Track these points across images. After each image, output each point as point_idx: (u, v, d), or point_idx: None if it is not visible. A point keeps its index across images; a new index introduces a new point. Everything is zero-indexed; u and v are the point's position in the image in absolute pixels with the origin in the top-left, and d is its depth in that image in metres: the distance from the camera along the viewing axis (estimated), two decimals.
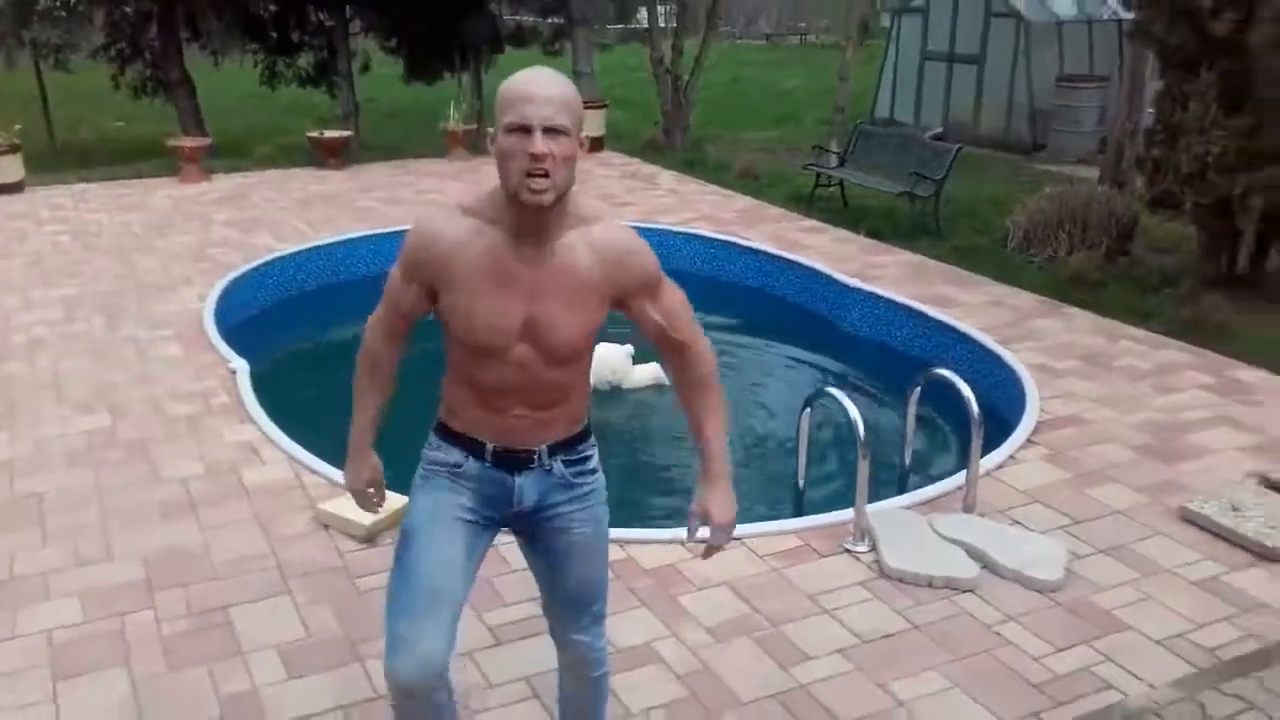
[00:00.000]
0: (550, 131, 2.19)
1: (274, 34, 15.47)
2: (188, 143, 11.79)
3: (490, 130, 2.28)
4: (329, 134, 12.35)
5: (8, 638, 3.76)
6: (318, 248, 8.91)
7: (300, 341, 7.69)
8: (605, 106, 13.80)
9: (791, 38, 37.10)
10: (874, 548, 4.37)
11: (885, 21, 24.29)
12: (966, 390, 4.69)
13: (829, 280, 8.16)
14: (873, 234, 9.51)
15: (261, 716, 3.37)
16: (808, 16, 37.28)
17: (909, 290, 7.83)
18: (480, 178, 11.74)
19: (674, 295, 2.51)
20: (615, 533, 4.51)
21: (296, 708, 3.39)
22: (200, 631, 3.81)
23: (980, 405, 4.65)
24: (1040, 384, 6.12)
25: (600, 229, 2.37)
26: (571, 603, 2.72)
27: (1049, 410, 5.80)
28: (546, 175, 2.19)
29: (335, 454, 5.32)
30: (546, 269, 2.30)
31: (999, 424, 5.61)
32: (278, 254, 8.69)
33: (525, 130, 2.18)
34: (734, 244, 9.09)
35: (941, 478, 5.03)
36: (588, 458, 2.59)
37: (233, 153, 13.01)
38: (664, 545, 4.40)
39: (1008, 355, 6.56)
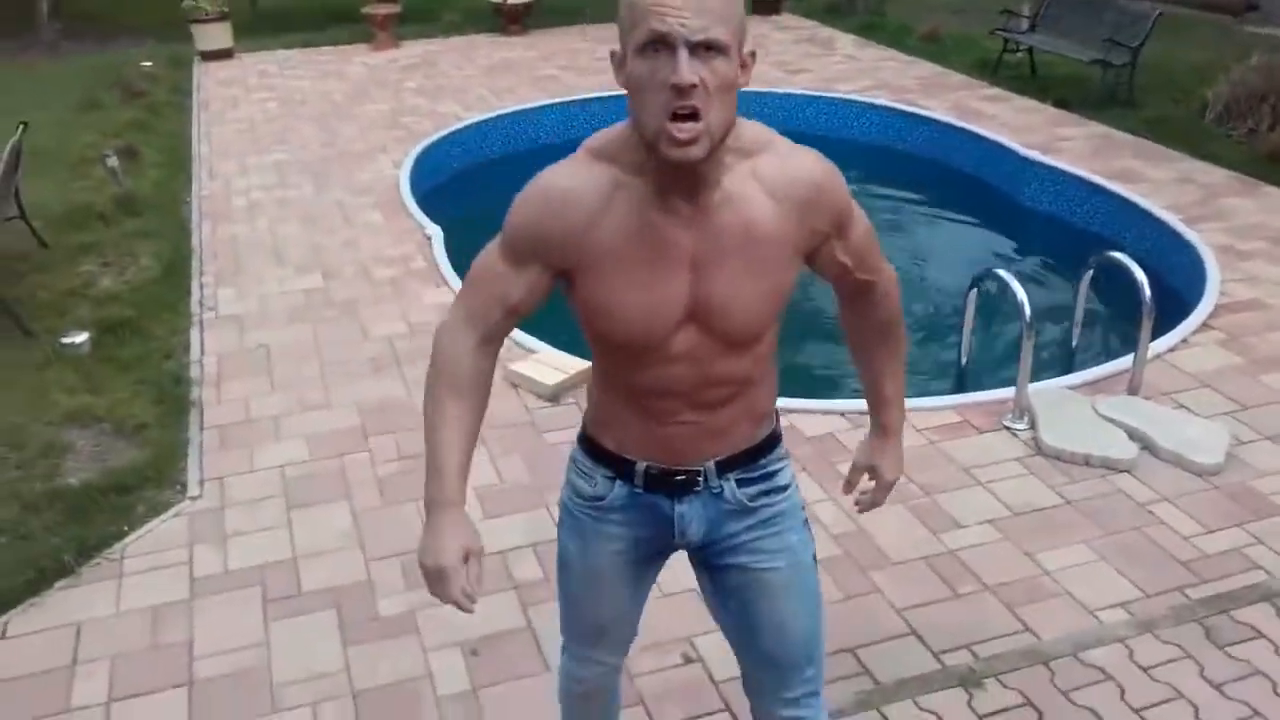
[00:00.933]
0: (699, 49, 1.55)
1: None
2: (379, 10, 12.21)
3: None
4: (511, 0, 12.57)
5: (248, 471, 4.36)
6: (501, 116, 9.25)
7: (485, 208, 8.09)
8: None
9: None
10: (1033, 426, 4.51)
11: None
12: (1139, 273, 4.68)
13: (1009, 153, 8.00)
14: (1060, 103, 9.18)
15: None
16: None
17: (1094, 165, 7.62)
18: None
19: (862, 226, 1.93)
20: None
21: (493, 543, 3.85)
22: (408, 473, 4.32)
23: (1158, 287, 4.64)
24: (1223, 266, 5.97)
25: (776, 161, 1.76)
26: (770, 665, 2.09)
27: (1229, 293, 5.69)
28: (696, 116, 1.56)
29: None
30: (713, 228, 1.71)
31: (1177, 306, 5.55)
32: (465, 123, 9.08)
33: (663, 47, 1.55)
34: (911, 114, 8.96)
35: (1110, 360, 5.06)
36: (774, 473, 2.01)
37: (421, 18, 13.40)
38: (824, 415, 4.65)
39: (1191, 235, 6.39)
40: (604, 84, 10.07)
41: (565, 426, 4.63)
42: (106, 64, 11.36)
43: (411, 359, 5.25)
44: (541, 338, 5.34)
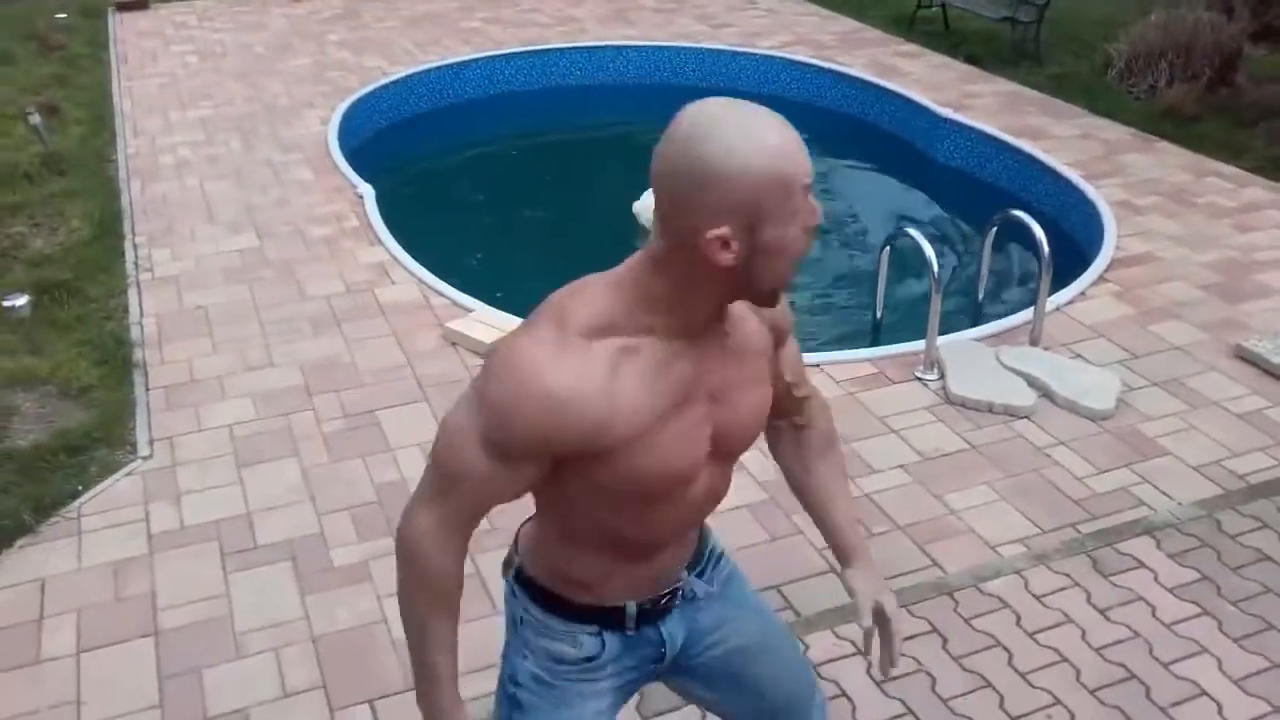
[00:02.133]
0: None
1: None
2: None
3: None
4: None
5: (196, 430, 4.50)
6: (426, 71, 9.29)
7: (415, 164, 8.21)
8: None
9: None
10: (942, 376, 4.84)
11: None
12: (1038, 230, 5.01)
13: (923, 110, 8.31)
14: (971, 59, 9.51)
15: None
16: None
17: (1001, 121, 7.97)
18: None
19: (793, 338, 1.90)
20: None
21: None
22: (354, 430, 4.50)
23: (1059, 242, 4.99)
24: (1120, 221, 6.36)
25: None
26: (786, 711, 2.07)
27: (1124, 248, 6.08)
28: None
29: (456, 277, 5.95)
30: (723, 354, 1.64)
31: (1076, 260, 5.93)
32: (390, 78, 9.10)
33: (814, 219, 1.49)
34: (831, 70, 9.22)
35: (1013, 313, 5.41)
36: (711, 546, 2.00)
37: None
38: None
39: (1090, 191, 6.77)
40: (528, 38, 10.14)
41: None
42: (18, 14, 11.06)
43: (351, 317, 5.39)
44: (477, 296, 5.53)
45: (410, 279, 5.80)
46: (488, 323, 5.23)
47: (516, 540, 1.90)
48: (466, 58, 9.56)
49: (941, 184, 7.72)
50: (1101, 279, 5.75)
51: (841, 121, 8.93)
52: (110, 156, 7.50)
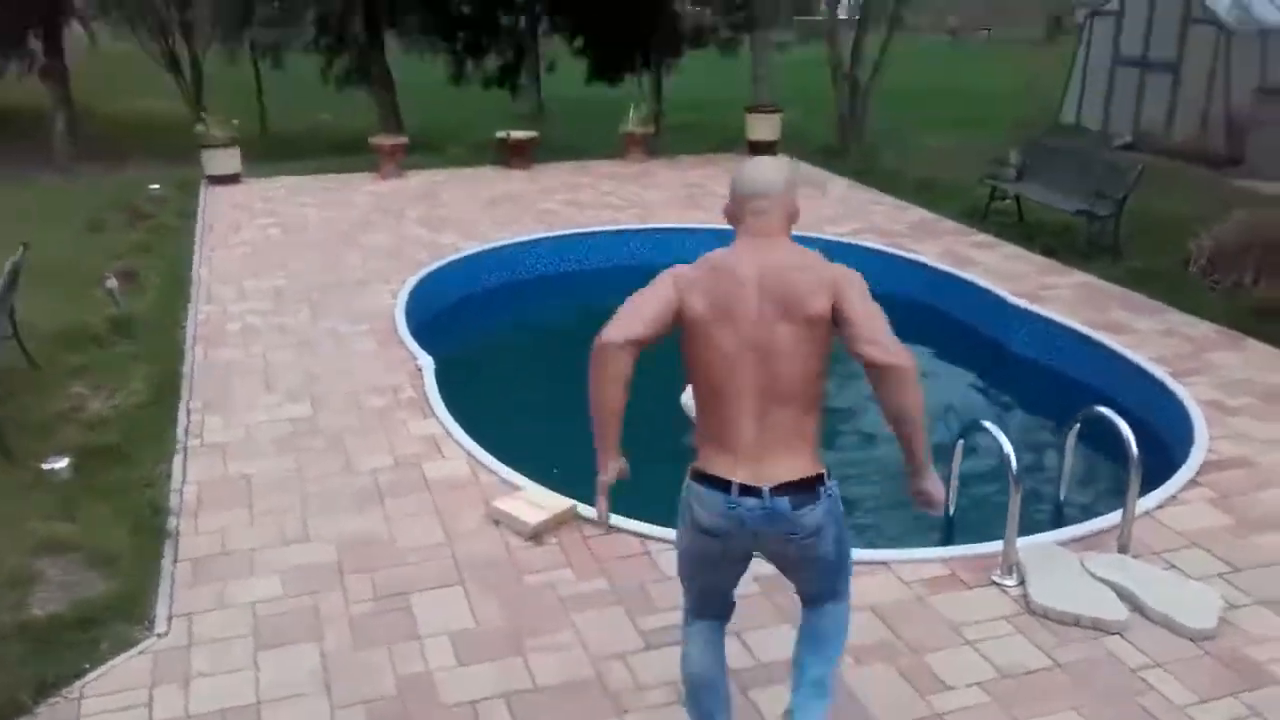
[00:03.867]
0: None
1: (465, 34, 16.31)
2: (386, 141, 12.55)
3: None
4: (516, 135, 12.91)
5: (218, 607, 4.27)
6: (500, 248, 9.41)
7: (480, 338, 8.19)
8: (779, 111, 13.91)
9: (980, 33, 36.09)
10: (1022, 582, 4.44)
11: (1079, 18, 23.47)
12: (1125, 429, 4.67)
13: (998, 300, 8.11)
14: (1048, 251, 9.35)
15: (433, 696, 3.74)
16: (997, 12, 36.16)
17: (1081, 315, 7.71)
18: (656, 181, 12.08)
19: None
20: None
21: (464, 693, 3.74)
22: (383, 614, 4.23)
23: (1145, 442, 4.63)
24: (1210, 422, 5.98)
25: None
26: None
27: (1217, 450, 5.68)
28: None
29: (508, 452, 5.76)
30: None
31: (1164, 462, 5.54)
32: (462, 254, 9.22)
33: None
34: (900, 257, 9.11)
35: (1098, 516, 5.02)
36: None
37: (426, 149, 13.75)
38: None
39: (1178, 389, 6.42)
40: (603, 219, 10.26)
41: (546, 568, 4.56)
42: (117, 187, 11.61)
43: (396, 492, 5.20)
44: (528, 475, 5.32)
45: (460, 454, 5.62)
46: (535, 502, 4.99)
47: None
48: (537, 235, 9.68)
49: (1018, 377, 7.42)
50: (1194, 483, 5.35)
51: (913, 310, 8.75)
52: (181, 323, 7.59)
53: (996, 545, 4.58)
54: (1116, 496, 5.11)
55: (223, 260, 9.06)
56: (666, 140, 14.36)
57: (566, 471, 5.87)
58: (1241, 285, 8.26)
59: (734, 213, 3.01)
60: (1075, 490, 5.38)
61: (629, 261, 9.73)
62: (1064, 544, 4.78)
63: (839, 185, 12.00)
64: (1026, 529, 4.66)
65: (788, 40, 17.88)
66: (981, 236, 9.90)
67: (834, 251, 9.40)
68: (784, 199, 2.97)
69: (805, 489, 2.85)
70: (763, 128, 13.69)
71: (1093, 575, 4.47)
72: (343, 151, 13.65)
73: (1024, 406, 6.90)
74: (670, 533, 4.89)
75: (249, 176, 12.17)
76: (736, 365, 2.85)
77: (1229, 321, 7.60)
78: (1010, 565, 4.50)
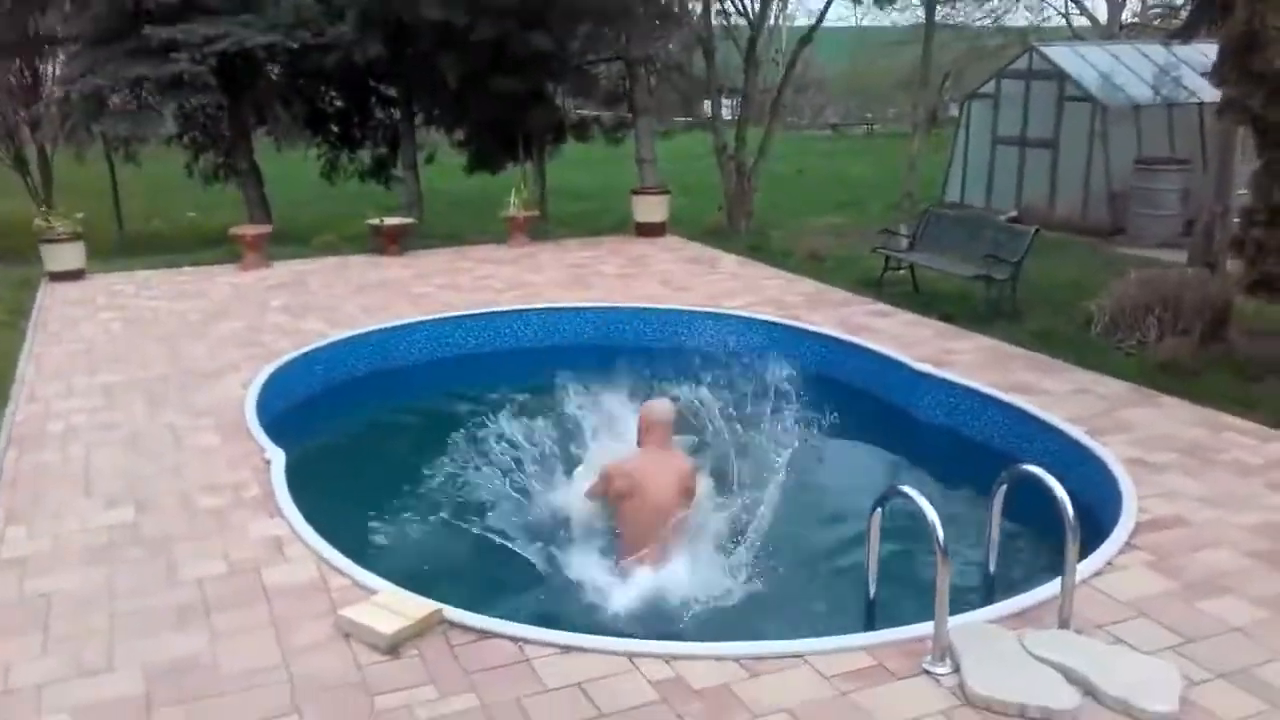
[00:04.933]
0: None
1: (337, 128, 15.72)
2: (249, 230, 11.77)
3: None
4: (389, 221, 12.28)
5: None
6: (369, 333, 8.69)
7: (343, 429, 7.40)
8: (666, 193, 13.58)
9: (858, 128, 37.00)
10: (957, 669, 3.85)
11: (953, 111, 24.03)
12: (1059, 489, 4.17)
13: (900, 366, 7.68)
14: (946, 318, 9.03)
15: None
16: (874, 108, 37.12)
17: (987, 377, 7.32)
18: (540, 263, 11.54)
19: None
20: (658, 646, 4.07)
21: None
22: None
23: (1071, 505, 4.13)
24: (1136, 480, 5.56)
25: None
26: None
27: (1148, 510, 5.24)
28: None
29: (365, 552, 5.00)
30: None
31: (1091, 525, 5.04)
32: (328, 340, 8.47)
33: None
34: (798, 328, 8.67)
35: (1031, 587, 4.48)
36: None
37: (297, 240, 13.01)
38: (717, 661, 3.92)
39: (1098, 448, 6.01)
40: (482, 302, 9.64)
41: (404, 686, 3.80)
42: None
43: (224, 605, 4.39)
44: (385, 576, 4.57)
45: (308, 556, 4.83)
46: (392, 608, 4.23)
47: None
48: (410, 320, 8.99)
49: (928, 445, 6.93)
50: (1130, 545, 4.88)
51: (813, 380, 8.27)
52: None
53: (925, 627, 4.00)
54: (1050, 565, 4.59)
55: (52, 358, 8.13)
56: (552, 227, 13.88)
57: (434, 569, 5.14)
58: (1145, 343, 8.01)
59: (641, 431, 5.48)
60: (1004, 560, 4.81)
61: (511, 344, 9.11)
62: (999, 621, 4.23)
63: (730, 262, 11.61)
64: (955, 607, 4.07)
65: (674, 128, 17.77)
66: (878, 305, 9.54)
67: (731, 325, 9.00)
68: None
69: None
70: (650, 210, 13.31)
71: (1035, 656, 3.91)
72: (208, 246, 12.80)
73: (937, 475, 6.39)
74: (552, 634, 4.20)
75: (97, 272, 11.22)
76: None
77: (1138, 379, 7.29)
78: (942, 650, 3.91)
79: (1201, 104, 14.90)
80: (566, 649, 4.07)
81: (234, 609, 4.37)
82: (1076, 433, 6.25)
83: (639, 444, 5.48)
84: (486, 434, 7.16)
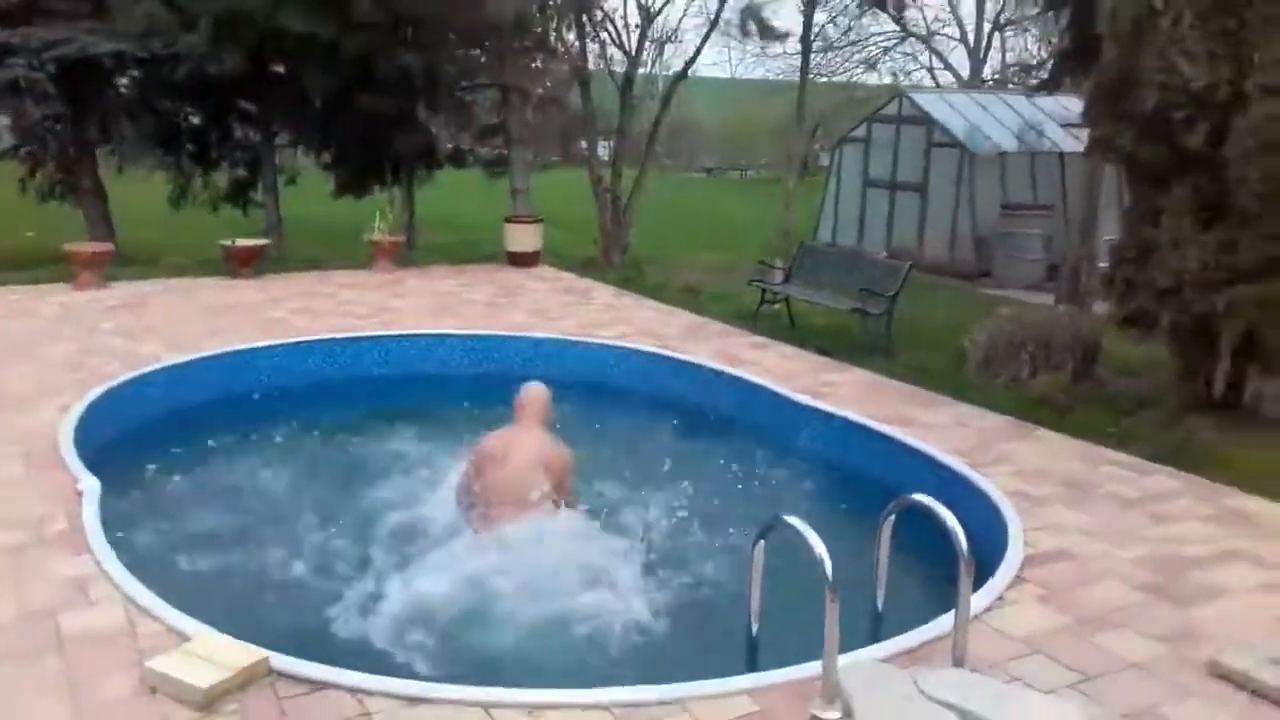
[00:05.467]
0: None
1: (193, 146, 14.68)
2: (86, 248, 10.90)
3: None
4: (242, 242, 11.53)
5: None
6: (211, 358, 8.00)
7: (178, 460, 6.66)
8: (540, 221, 13.20)
9: (732, 172, 37.45)
10: (849, 713, 3.50)
11: (824, 160, 24.42)
12: (950, 519, 3.90)
13: (777, 398, 7.42)
14: (822, 351, 8.85)
15: None
16: (748, 155, 37.66)
17: (865, 409, 7.11)
18: (405, 289, 10.99)
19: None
20: (518, 694, 3.60)
21: None
22: None
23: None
24: (1021, 513, 5.37)
25: None
26: None
27: (1034, 543, 5.04)
28: None
29: (186, 593, 4.40)
30: None
31: (978, 559, 4.78)
32: (162, 364, 7.75)
33: None
34: (673, 359, 8.36)
35: (920, 623, 4.18)
36: None
37: (145, 263, 12.13)
38: (584, 712, 3.49)
39: (981, 480, 5.82)
40: (341, 328, 9.05)
41: None
42: None
43: (10, 658, 3.74)
44: (204, 620, 4.00)
45: (116, 597, 4.22)
46: (207, 658, 3.67)
47: None
48: (256, 345, 8.33)
49: (807, 479, 6.57)
50: (1019, 579, 4.65)
51: (689, 412, 7.96)
52: None
53: (813, 668, 3.66)
54: (939, 599, 4.31)
55: None
56: (420, 255, 13.31)
57: (266, 611, 4.56)
58: (1018, 379, 7.96)
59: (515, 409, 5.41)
60: (893, 594, 4.48)
61: (370, 371, 8.54)
62: (890, 660, 3.91)
63: (604, 293, 11.27)
64: (843, 644, 3.72)
65: (552, 160, 17.45)
66: (754, 338, 9.31)
67: (603, 356, 8.64)
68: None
69: None
70: (523, 239, 12.89)
71: (931, 698, 3.58)
72: (43, 264, 11.79)
73: (819, 508, 6.08)
74: (396, 684, 3.70)
75: None
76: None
77: (1014, 412, 7.19)
78: (832, 692, 3.56)
79: (1062, 154, 15.39)
80: (413, 700, 3.58)
81: (20, 663, 3.73)
82: (959, 465, 6.05)
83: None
84: (332, 461, 6.63)
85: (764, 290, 10.07)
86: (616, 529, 5.35)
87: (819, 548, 3.62)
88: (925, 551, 4.86)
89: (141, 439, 6.87)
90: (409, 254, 13.10)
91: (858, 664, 3.75)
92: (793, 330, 9.76)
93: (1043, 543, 5.05)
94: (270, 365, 8.17)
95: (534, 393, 5.57)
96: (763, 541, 3.96)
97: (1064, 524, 5.30)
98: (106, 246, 11.34)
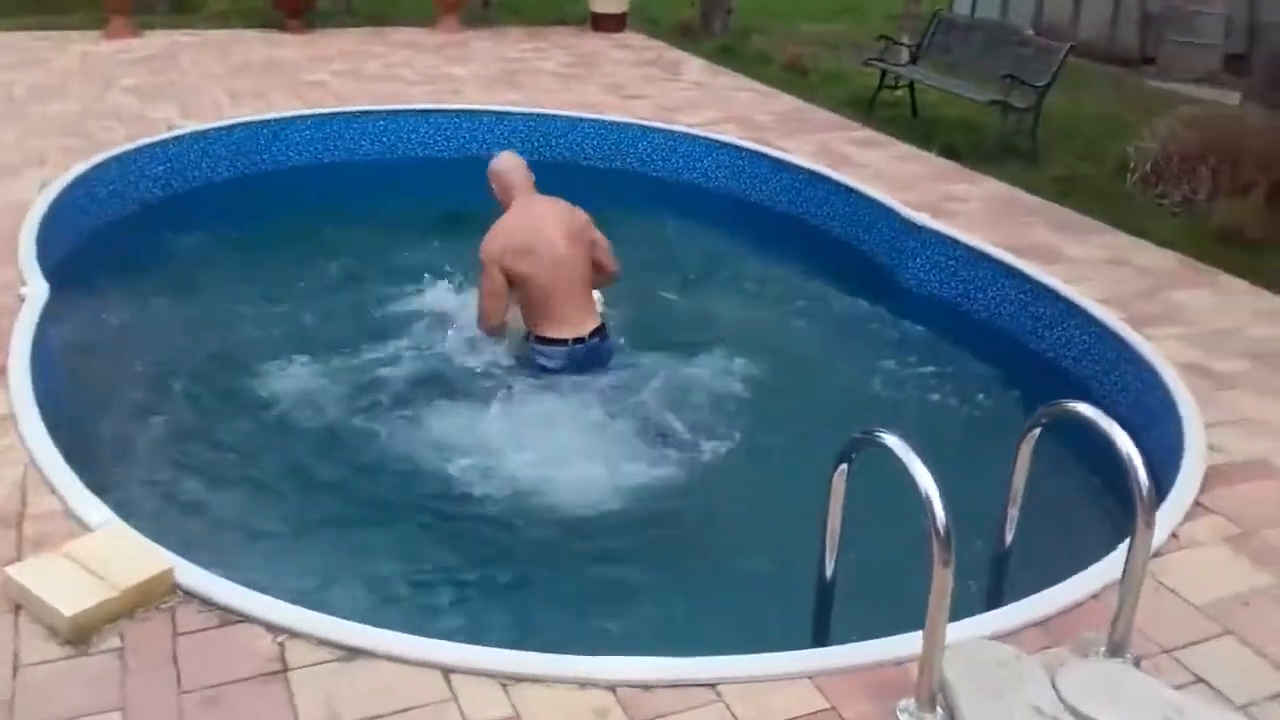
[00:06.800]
0: None
1: None
2: None
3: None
4: None
5: None
6: (229, 128, 6.89)
7: (162, 259, 5.66)
8: None
9: None
10: (951, 718, 2.44)
11: None
12: (1124, 440, 2.64)
13: (888, 213, 6.05)
14: (948, 152, 7.33)
15: None
16: None
17: (998, 235, 5.72)
18: (469, 54, 9.62)
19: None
20: (490, 656, 2.59)
21: None
22: None
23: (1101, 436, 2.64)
24: (1202, 400, 4.06)
25: None
26: None
27: (1220, 447, 3.76)
28: None
29: (110, 461, 3.48)
30: None
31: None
32: (173, 133, 6.68)
33: None
34: (765, 155, 6.96)
35: (1061, 577, 3.02)
36: None
37: (190, 9, 10.92)
38: (581, 689, 2.48)
39: (1144, 347, 4.49)
40: (385, 96, 7.83)
41: (84, 707, 2.36)
42: None
43: None
44: (123, 504, 3.08)
45: (17, 456, 3.29)
46: (95, 568, 2.73)
47: None
48: (285, 114, 7.17)
49: (917, 329, 5.30)
50: (1199, 507, 3.41)
51: (774, 223, 6.65)
52: None
53: (905, 647, 2.57)
54: (1088, 543, 3.15)
55: None
56: (497, 14, 11.77)
57: (200, 491, 3.63)
58: (1193, 201, 6.42)
59: (509, 186, 4.53)
60: (1025, 535, 3.24)
61: (412, 152, 7.33)
62: (1016, 634, 2.79)
63: (695, 68, 9.72)
64: (953, 608, 2.58)
65: None
66: (866, 132, 7.79)
67: (685, 146, 7.28)
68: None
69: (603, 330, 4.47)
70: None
71: (1072, 709, 2.48)
72: (81, 9, 10.63)
73: (923, 375, 4.85)
74: (333, 625, 2.74)
75: None
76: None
77: (1188, 248, 5.72)
78: (931, 690, 2.48)
79: None
80: (352, 654, 2.61)
81: None
82: (1113, 322, 4.70)
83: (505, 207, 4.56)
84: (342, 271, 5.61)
85: (884, 72, 8.44)
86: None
87: (925, 482, 2.42)
88: (1071, 466, 3.65)
89: (134, 227, 5.90)
90: (483, 11, 11.60)
91: (969, 647, 2.64)
92: (915, 123, 8.21)
93: (1232, 447, 3.76)
94: (302, 138, 7.01)
95: (516, 158, 4.70)
96: (845, 465, 2.77)
97: (1261, 418, 3.98)
98: None
